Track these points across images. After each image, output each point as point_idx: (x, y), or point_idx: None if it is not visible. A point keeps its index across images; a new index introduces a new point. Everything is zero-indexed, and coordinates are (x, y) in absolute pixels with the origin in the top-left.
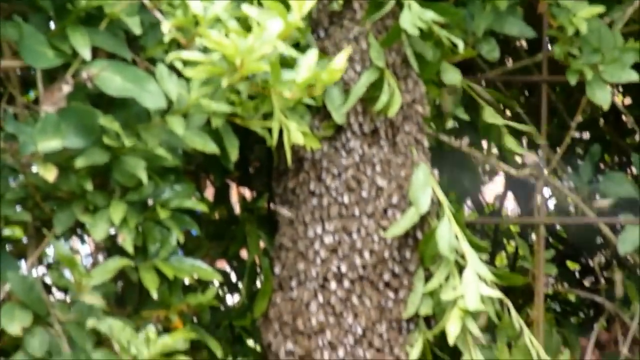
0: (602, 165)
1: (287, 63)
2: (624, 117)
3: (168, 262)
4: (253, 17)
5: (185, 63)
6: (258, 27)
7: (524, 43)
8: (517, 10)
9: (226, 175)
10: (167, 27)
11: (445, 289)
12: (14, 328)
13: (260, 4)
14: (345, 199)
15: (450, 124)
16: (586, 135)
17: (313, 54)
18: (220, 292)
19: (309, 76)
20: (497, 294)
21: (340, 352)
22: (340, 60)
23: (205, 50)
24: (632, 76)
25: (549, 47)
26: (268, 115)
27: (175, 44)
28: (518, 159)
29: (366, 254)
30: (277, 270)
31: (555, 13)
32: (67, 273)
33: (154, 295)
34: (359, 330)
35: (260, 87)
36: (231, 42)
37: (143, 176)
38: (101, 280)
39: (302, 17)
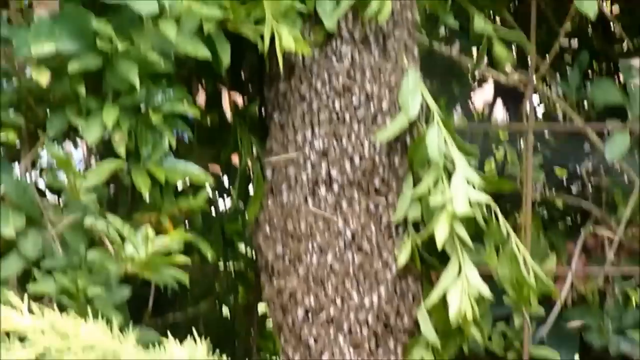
0: (590, 73)
1: None
2: (612, 26)
3: (160, 165)
4: None
5: None
6: None
7: None
8: None
9: (218, 81)
10: None
11: (434, 193)
12: (8, 230)
13: None
14: (336, 105)
15: (440, 31)
16: (575, 43)
17: None
18: (212, 197)
19: None
20: (485, 198)
21: (329, 256)
22: None
23: None
24: None
25: None
26: (260, 21)
27: None
28: (507, 67)
29: (356, 159)
30: (268, 174)
31: None
32: (61, 176)
33: (146, 197)
34: (349, 235)
35: None
36: None
37: (135, 80)
38: (95, 181)
39: None
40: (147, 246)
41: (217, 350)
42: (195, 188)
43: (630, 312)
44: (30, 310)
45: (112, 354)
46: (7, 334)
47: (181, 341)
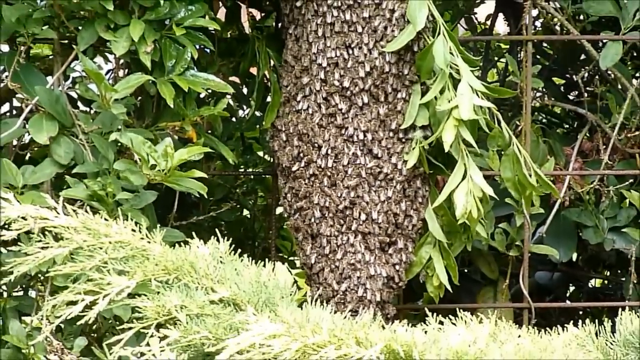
0: None
1: None
2: None
3: (183, 76)
4: None
5: None
6: None
7: None
8: None
9: None
10: None
11: (441, 100)
12: (42, 137)
13: None
14: (347, 16)
15: None
16: None
17: None
18: (232, 106)
19: None
20: (488, 104)
21: (342, 160)
22: None
23: None
24: None
25: None
26: None
27: None
28: None
29: (367, 68)
30: (284, 84)
31: None
32: (92, 87)
33: (171, 104)
34: (360, 139)
35: None
36: None
37: None
38: (124, 93)
39: None
40: (168, 159)
41: (238, 250)
42: (216, 97)
43: (624, 210)
44: (65, 211)
45: (141, 251)
46: (44, 232)
47: (204, 241)
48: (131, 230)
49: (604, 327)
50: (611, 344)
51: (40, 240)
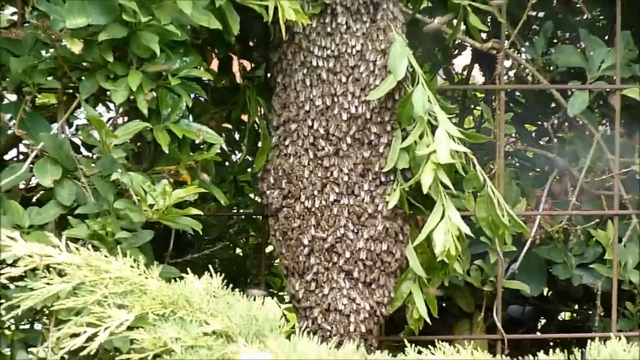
0: (554, 40)
1: None
2: None
3: (178, 124)
4: None
5: None
6: None
7: None
8: None
9: (228, 49)
10: None
11: (420, 145)
12: (46, 180)
13: None
14: (333, 66)
15: (424, 4)
16: (541, 13)
17: None
18: (225, 150)
19: None
20: (464, 149)
21: (328, 202)
22: None
23: None
24: None
25: None
26: None
27: None
28: (483, 34)
29: (351, 115)
30: (273, 130)
31: None
32: (94, 134)
33: (166, 150)
34: (344, 182)
35: None
36: None
37: (156, 49)
38: (124, 139)
39: None
40: (165, 199)
41: (231, 285)
42: (209, 143)
43: (591, 248)
44: (68, 249)
45: (139, 286)
46: (48, 269)
47: (199, 277)
48: (130, 267)
49: (574, 356)
50: None
51: (45, 277)
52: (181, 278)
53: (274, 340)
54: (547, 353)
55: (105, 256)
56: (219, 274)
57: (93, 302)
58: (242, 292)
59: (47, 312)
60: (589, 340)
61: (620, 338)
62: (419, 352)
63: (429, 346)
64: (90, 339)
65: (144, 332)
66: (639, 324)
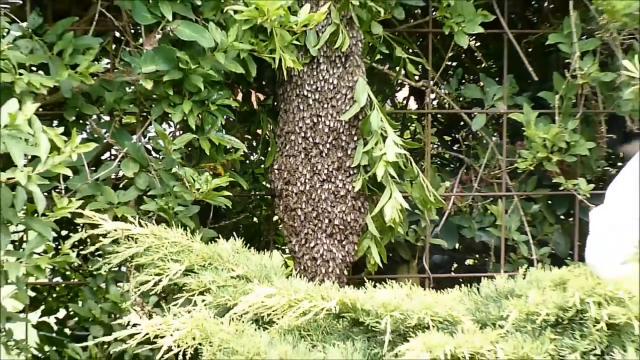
0: (463, 80)
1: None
2: (476, 53)
3: (215, 135)
4: None
5: (235, 12)
6: None
7: (418, 10)
8: None
9: (249, 85)
10: None
11: (375, 149)
12: (129, 173)
13: None
14: (317, 97)
15: (377, 56)
16: (454, 62)
17: (308, 6)
18: (247, 152)
19: (306, 17)
20: (404, 152)
21: (314, 186)
22: (324, 9)
23: (246, 4)
24: (479, 29)
25: (434, 13)
26: (273, 50)
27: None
28: (416, 76)
29: (330, 129)
30: (277, 140)
31: None
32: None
33: (207, 152)
34: (325, 173)
35: (276, 25)
36: None
37: (201, 86)
38: (179, 145)
39: None
40: (207, 184)
41: (249, 244)
42: (236, 148)
43: (487, 217)
44: (140, 223)
45: (187, 247)
46: (127, 237)
47: (228, 239)
48: (181, 234)
49: (476, 289)
50: (479, 299)
51: (125, 243)
52: (215, 240)
53: (278, 280)
54: (459, 287)
55: (165, 228)
56: (241, 236)
57: (157, 258)
58: (257, 249)
59: (128, 265)
60: (484, 278)
61: (506, 277)
62: (374, 287)
63: (382, 282)
64: (156, 283)
65: (191, 277)
66: (518, 267)
